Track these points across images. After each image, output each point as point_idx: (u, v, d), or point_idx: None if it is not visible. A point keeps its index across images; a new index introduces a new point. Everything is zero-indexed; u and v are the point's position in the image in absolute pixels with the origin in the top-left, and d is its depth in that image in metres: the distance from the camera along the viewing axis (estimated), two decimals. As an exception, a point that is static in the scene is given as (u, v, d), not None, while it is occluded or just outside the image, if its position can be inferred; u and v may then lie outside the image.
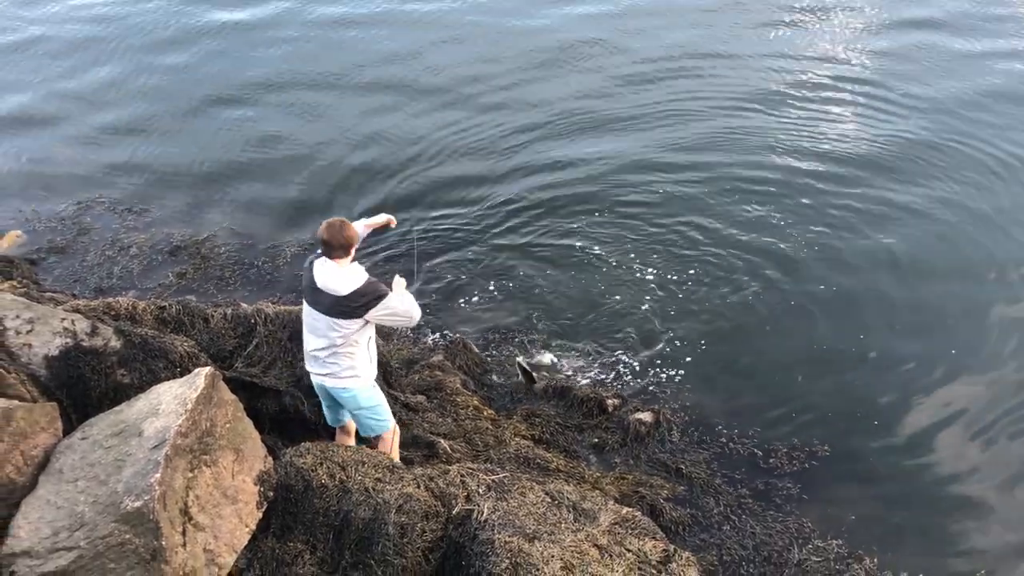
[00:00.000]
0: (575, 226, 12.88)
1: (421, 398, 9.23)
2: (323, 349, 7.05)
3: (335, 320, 6.88)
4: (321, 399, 7.59)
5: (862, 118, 15.15)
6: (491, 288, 11.78)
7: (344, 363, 7.07)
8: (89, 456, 5.85)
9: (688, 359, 10.34)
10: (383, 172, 14.54)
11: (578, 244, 12.49)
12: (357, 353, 7.10)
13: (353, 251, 6.98)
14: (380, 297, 6.84)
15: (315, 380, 7.29)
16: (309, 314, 7.12)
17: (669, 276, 11.69)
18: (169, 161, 15.17)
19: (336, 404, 7.51)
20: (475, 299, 11.59)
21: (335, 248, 6.84)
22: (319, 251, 7.00)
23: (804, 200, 13.07)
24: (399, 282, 7.22)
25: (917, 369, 10.09)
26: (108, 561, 5.20)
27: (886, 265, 11.70)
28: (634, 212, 13.09)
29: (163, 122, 16.35)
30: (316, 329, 7.07)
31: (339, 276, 6.83)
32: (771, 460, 9.02)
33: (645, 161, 14.32)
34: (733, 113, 15.50)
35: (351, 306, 6.81)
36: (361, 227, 7.50)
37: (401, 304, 6.96)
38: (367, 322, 6.98)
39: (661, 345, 10.57)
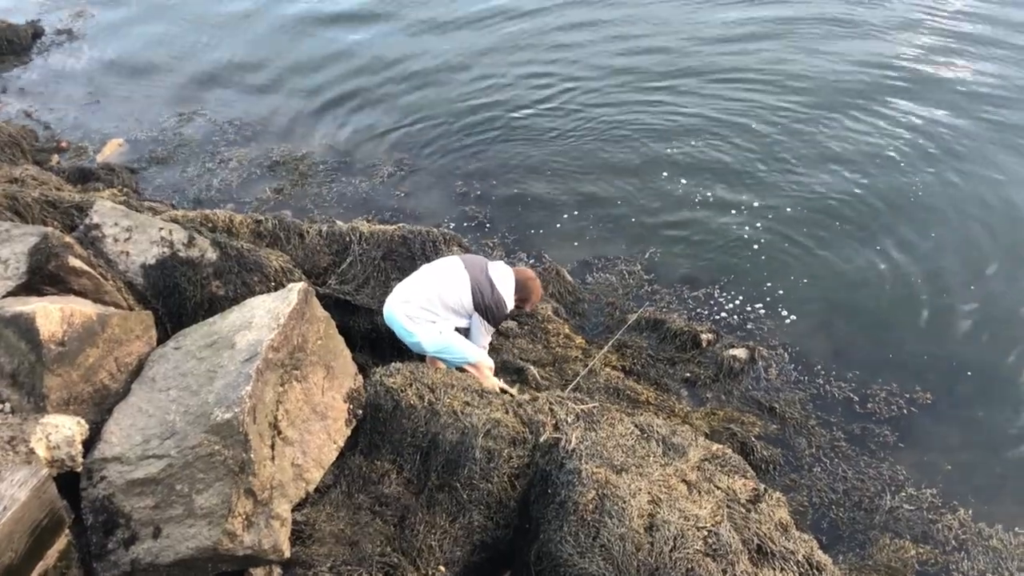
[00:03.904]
0: (673, 150, 12.64)
1: (512, 324, 9.17)
2: (425, 294, 7.16)
3: (467, 284, 7.21)
4: None
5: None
6: (582, 211, 11.63)
7: (425, 315, 7.14)
8: (182, 366, 5.89)
9: (788, 296, 10.06)
10: (484, 88, 14.55)
11: (676, 164, 12.31)
12: (440, 322, 7.22)
13: (515, 296, 7.51)
14: (496, 317, 7.43)
15: (388, 313, 7.27)
16: (446, 263, 7.46)
17: (771, 208, 11.39)
18: (271, 76, 15.23)
19: None
20: (566, 222, 11.44)
21: (516, 287, 7.47)
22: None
23: (930, 143, 12.56)
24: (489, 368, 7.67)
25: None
26: (197, 471, 5.24)
27: (1009, 216, 11.20)
28: (737, 138, 12.81)
29: (268, 39, 16.38)
30: (440, 274, 7.30)
31: (508, 278, 7.44)
32: (868, 404, 8.77)
33: (750, 87, 14.05)
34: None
35: (489, 298, 7.25)
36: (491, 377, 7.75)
37: (484, 338, 7.59)
38: (471, 317, 7.36)
39: (760, 280, 10.30)
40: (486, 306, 7.24)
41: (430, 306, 7.12)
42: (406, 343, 7.29)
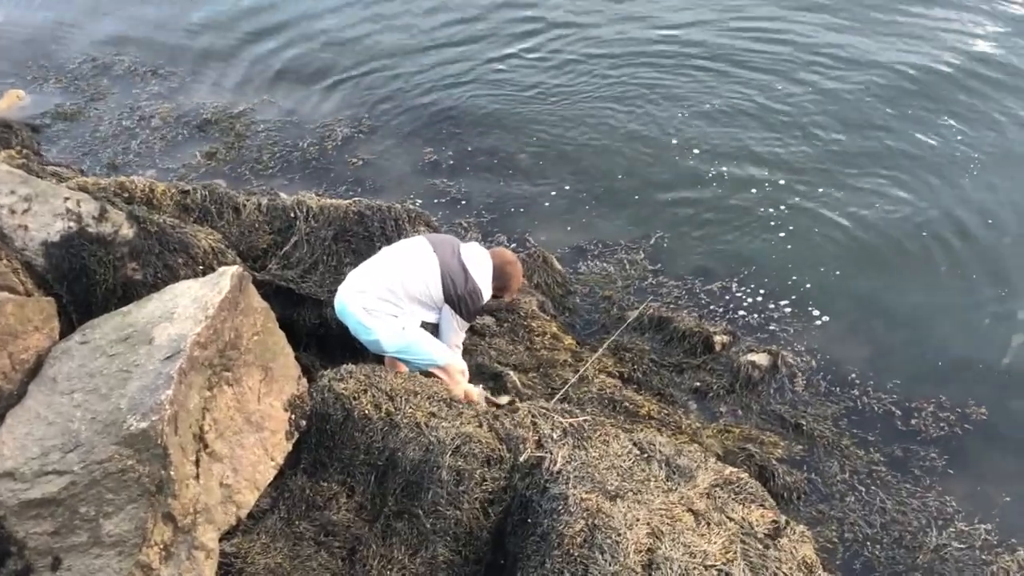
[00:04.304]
0: (685, 112, 12.67)
1: (489, 320, 9.17)
2: (385, 282, 7.11)
3: (436, 270, 7.17)
4: None
5: None
6: (575, 185, 11.66)
7: (386, 308, 7.10)
8: (89, 364, 5.85)
9: (818, 291, 10.08)
10: (451, 25, 14.72)
11: (690, 128, 12.34)
12: (402, 316, 7.19)
13: (492, 283, 7.43)
14: (471, 310, 7.38)
15: (340, 305, 7.22)
16: (410, 245, 7.43)
17: (801, 185, 11.42)
18: (203, 18, 15.16)
19: None
20: (555, 198, 11.47)
21: (494, 274, 7.40)
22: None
23: (992, 112, 12.61)
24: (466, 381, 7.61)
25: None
26: (105, 491, 5.20)
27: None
28: (764, 98, 12.87)
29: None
30: (404, 258, 7.26)
31: (485, 263, 7.33)
32: (913, 421, 8.77)
33: (787, 30, 14.15)
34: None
35: (462, 287, 7.21)
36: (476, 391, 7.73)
37: (456, 336, 7.56)
38: (440, 310, 7.34)
39: (786, 272, 10.31)
40: (458, 296, 7.20)
41: (391, 297, 7.08)
42: (361, 341, 7.25)
